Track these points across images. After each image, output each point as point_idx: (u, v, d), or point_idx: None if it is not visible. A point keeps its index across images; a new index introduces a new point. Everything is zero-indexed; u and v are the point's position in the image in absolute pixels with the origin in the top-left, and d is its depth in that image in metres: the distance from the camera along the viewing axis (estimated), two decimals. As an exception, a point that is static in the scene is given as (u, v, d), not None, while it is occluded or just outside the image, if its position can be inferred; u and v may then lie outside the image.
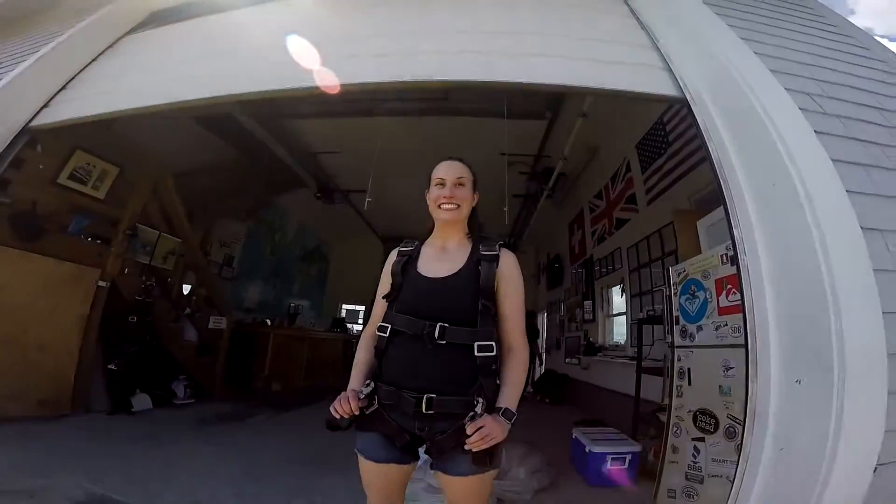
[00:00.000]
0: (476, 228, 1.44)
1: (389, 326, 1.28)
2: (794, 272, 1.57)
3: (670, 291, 2.81)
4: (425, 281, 1.31)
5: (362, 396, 1.22)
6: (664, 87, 2.34)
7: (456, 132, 6.21)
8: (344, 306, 12.30)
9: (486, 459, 1.16)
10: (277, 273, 9.95)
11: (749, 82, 1.97)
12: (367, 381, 1.27)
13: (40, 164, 3.56)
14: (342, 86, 2.57)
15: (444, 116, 6.09)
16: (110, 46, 3.15)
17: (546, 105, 5.75)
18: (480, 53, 2.50)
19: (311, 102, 6.16)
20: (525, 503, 2.69)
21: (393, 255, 1.43)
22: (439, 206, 1.37)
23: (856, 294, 1.43)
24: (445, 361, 1.21)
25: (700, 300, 2.52)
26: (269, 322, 7.68)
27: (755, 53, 2.14)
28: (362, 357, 1.37)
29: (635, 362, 4.28)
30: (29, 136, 2.85)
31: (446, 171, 1.40)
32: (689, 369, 2.53)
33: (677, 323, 2.72)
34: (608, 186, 6.43)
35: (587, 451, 3.12)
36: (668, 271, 2.88)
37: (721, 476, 2.13)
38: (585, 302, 6.98)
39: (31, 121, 2.79)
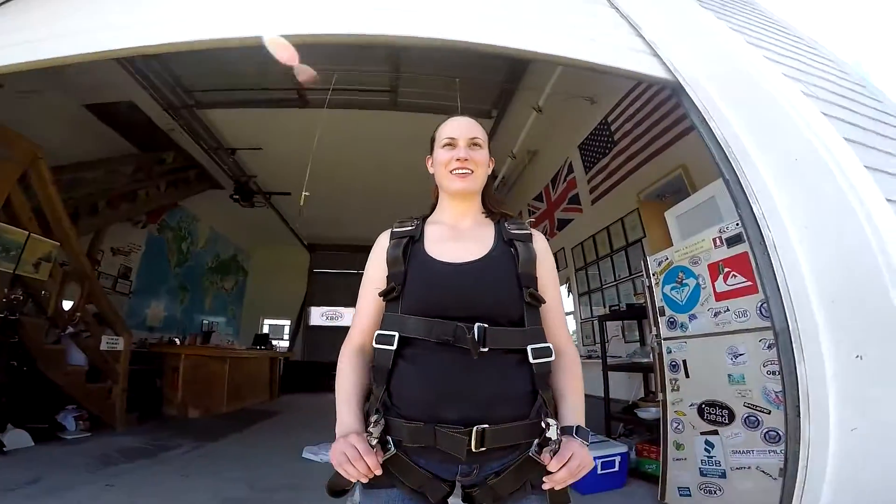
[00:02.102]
0: (495, 202, 1.13)
1: (396, 335, 0.90)
2: (834, 243, 1.50)
3: (650, 282, 2.73)
4: (445, 267, 0.96)
5: (374, 442, 0.84)
6: (653, 69, 2.32)
7: (398, 128, 5.87)
8: (266, 321, 11.20)
9: (566, 497, 0.86)
10: (186, 286, 8.72)
11: (749, 65, 2.01)
12: (374, 418, 0.86)
13: None
14: (284, 37, 2.13)
15: (390, 111, 5.74)
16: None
17: (493, 103, 5.67)
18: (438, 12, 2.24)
19: (232, 88, 5.47)
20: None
21: (383, 239, 1.05)
22: (451, 172, 1.04)
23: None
24: (494, 375, 0.87)
25: (690, 288, 2.46)
26: (178, 341, 6.67)
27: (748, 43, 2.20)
28: (351, 381, 0.96)
29: (592, 361, 4.29)
30: None
31: (457, 128, 1.07)
32: (684, 361, 2.44)
33: (662, 314, 2.63)
34: (548, 188, 6.51)
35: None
36: (646, 261, 2.80)
37: (749, 468, 2.03)
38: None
39: None
